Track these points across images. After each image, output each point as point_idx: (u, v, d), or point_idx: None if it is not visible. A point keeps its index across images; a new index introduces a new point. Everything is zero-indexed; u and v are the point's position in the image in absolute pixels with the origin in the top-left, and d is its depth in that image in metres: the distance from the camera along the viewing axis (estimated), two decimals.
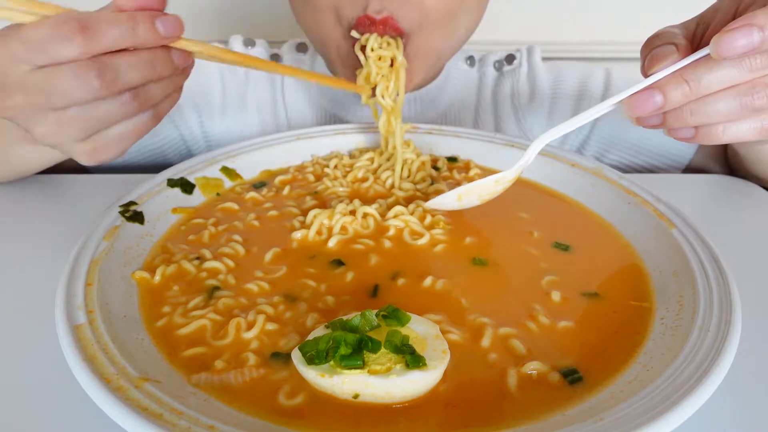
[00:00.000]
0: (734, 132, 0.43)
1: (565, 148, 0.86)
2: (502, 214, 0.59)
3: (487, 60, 0.88)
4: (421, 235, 0.54)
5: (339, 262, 0.50)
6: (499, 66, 0.88)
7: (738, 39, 0.37)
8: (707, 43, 0.41)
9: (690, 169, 0.82)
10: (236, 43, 0.86)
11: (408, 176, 0.66)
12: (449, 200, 0.54)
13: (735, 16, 0.44)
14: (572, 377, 0.38)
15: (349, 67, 0.70)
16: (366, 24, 0.65)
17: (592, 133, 0.85)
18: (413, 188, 0.64)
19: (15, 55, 0.42)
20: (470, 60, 0.89)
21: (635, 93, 0.42)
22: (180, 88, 0.52)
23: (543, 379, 0.38)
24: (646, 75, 0.44)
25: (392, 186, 0.64)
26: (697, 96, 0.41)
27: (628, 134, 0.82)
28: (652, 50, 0.44)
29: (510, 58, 0.87)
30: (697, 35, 0.46)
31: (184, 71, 0.51)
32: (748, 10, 0.42)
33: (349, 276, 0.48)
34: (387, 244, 0.53)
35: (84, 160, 0.48)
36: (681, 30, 0.46)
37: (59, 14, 0.42)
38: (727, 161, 0.79)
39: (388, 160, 0.68)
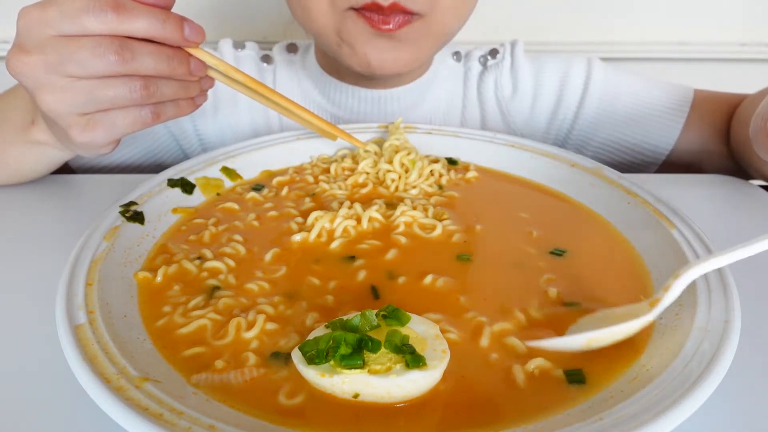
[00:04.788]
0: None
1: (548, 140, 0.88)
2: (501, 213, 0.59)
3: (473, 55, 0.89)
4: (432, 228, 0.55)
5: (351, 258, 0.51)
6: (483, 61, 0.89)
7: None
8: None
9: (673, 160, 0.83)
10: (226, 46, 0.86)
11: (418, 177, 0.65)
12: (577, 343, 0.40)
13: None
14: (574, 376, 0.38)
15: (356, 44, 0.69)
16: (373, 9, 0.65)
17: (574, 126, 0.86)
18: (418, 192, 0.63)
19: (46, 19, 0.44)
20: (456, 55, 0.90)
21: None
22: (192, 102, 0.54)
23: (543, 379, 0.38)
24: None
25: (396, 189, 0.64)
26: None
27: (605, 130, 0.84)
28: None
29: (494, 53, 0.89)
30: None
31: (201, 88, 0.53)
32: None
33: (362, 274, 0.48)
34: (402, 240, 0.53)
35: (74, 134, 0.49)
36: None
37: None
38: (727, 145, 0.79)
39: (387, 171, 0.66)
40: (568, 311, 0.44)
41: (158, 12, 0.45)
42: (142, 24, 0.44)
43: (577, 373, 0.38)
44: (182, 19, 0.47)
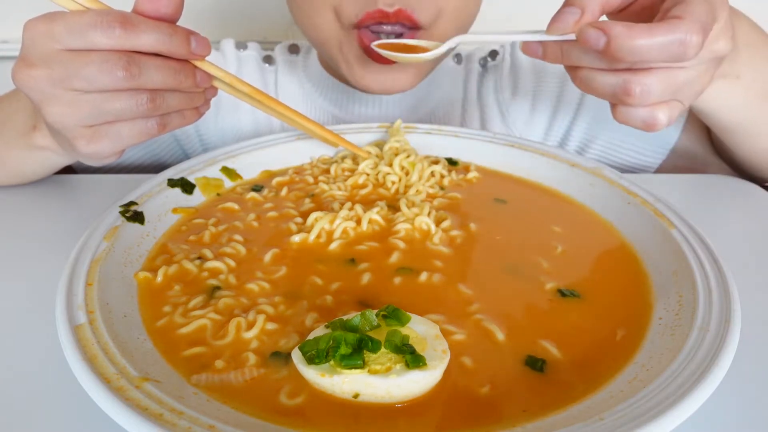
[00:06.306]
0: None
1: (548, 142, 0.87)
2: (501, 215, 0.59)
3: (473, 57, 0.89)
4: (433, 233, 0.54)
5: (351, 261, 0.50)
6: (483, 62, 0.89)
7: (591, 40, 0.43)
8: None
9: (673, 161, 0.83)
10: (228, 46, 0.86)
11: (419, 179, 0.64)
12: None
13: None
14: (537, 364, 0.39)
15: (355, 64, 0.70)
16: (377, 17, 0.64)
17: (573, 127, 0.86)
18: (420, 194, 0.62)
19: (52, 33, 0.43)
20: (457, 58, 0.90)
21: (527, 41, 0.50)
22: (197, 111, 0.54)
23: (543, 378, 0.38)
24: (548, 28, 0.47)
25: (396, 191, 0.63)
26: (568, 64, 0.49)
27: (605, 131, 0.84)
28: (565, 8, 0.46)
29: (494, 54, 0.89)
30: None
31: (205, 98, 0.53)
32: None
33: (366, 277, 0.48)
34: (400, 244, 0.52)
35: (80, 145, 0.49)
36: None
37: (105, 8, 0.44)
38: (712, 143, 0.80)
39: (386, 175, 0.66)
40: (567, 311, 0.44)
41: (165, 27, 0.45)
42: (149, 39, 0.44)
43: (539, 361, 0.39)
44: (189, 33, 0.46)
